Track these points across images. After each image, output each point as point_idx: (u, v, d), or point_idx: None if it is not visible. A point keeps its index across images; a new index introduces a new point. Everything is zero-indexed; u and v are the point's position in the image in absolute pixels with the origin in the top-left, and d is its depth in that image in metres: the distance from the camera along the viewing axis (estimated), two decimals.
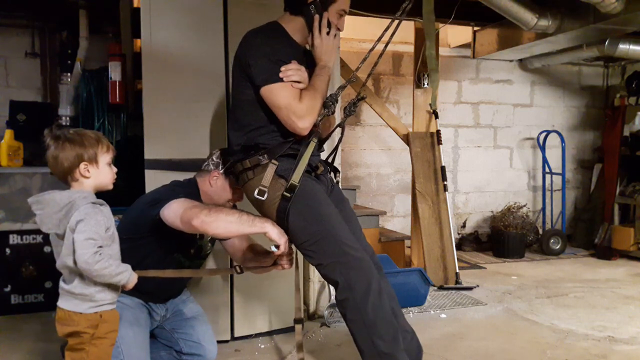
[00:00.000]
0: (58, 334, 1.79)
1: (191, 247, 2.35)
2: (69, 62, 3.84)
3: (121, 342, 2.09)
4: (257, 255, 2.41)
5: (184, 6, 2.77)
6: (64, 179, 1.79)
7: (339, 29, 2.22)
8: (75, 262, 1.68)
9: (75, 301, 1.75)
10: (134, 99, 3.75)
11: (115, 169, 1.86)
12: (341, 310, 2.07)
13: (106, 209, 1.79)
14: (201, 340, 2.38)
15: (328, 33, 2.15)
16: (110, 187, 1.86)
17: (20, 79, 4.11)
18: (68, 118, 3.83)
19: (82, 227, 1.67)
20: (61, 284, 1.80)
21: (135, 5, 3.79)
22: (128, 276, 1.75)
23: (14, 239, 3.48)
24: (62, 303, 1.78)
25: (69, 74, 3.83)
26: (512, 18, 4.08)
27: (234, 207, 2.45)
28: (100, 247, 1.68)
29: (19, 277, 3.48)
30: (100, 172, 1.80)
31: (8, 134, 3.52)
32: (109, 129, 3.77)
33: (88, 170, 1.77)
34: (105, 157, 1.81)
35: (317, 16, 2.14)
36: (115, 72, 3.56)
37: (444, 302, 3.79)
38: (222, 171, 2.31)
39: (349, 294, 2.01)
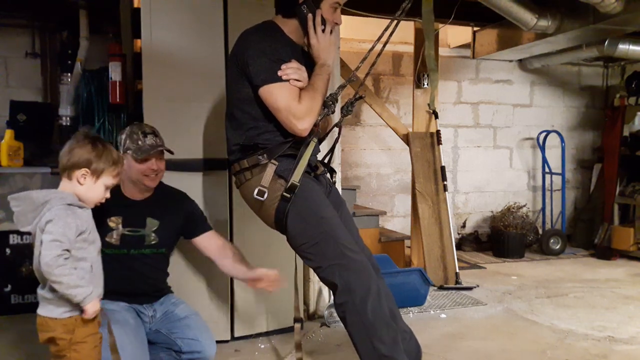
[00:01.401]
0: (39, 341, 1.76)
1: (104, 236, 2.23)
2: (69, 62, 3.83)
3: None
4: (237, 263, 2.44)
5: (184, 6, 2.77)
6: (62, 171, 1.80)
7: (336, 23, 2.19)
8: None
9: (50, 306, 1.72)
10: (134, 99, 3.74)
11: (108, 195, 1.88)
12: (340, 314, 2.05)
13: (84, 212, 1.77)
14: (198, 337, 2.37)
15: (323, 30, 2.13)
16: (92, 206, 1.85)
17: (20, 79, 4.11)
18: (68, 118, 3.83)
19: (50, 227, 1.66)
20: (38, 289, 1.76)
21: (135, 5, 3.77)
22: (86, 294, 1.68)
23: (14, 239, 3.47)
24: (39, 309, 1.75)
25: (69, 74, 3.82)
26: (512, 18, 4.08)
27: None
28: (67, 250, 1.65)
29: (19, 277, 3.48)
30: (94, 188, 1.81)
31: (8, 134, 3.51)
32: (109, 129, 3.76)
33: (85, 179, 1.77)
34: (107, 179, 1.82)
35: (310, 15, 2.11)
36: (115, 72, 3.55)
37: (444, 302, 3.79)
38: (123, 153, 2.27)
39: (348, 297, 1.99)
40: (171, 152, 2.41)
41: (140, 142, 2.28)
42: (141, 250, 2.36)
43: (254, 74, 2.04)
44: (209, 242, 2.49)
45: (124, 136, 2.31)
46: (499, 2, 3.90)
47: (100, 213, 2.16)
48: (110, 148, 1.84)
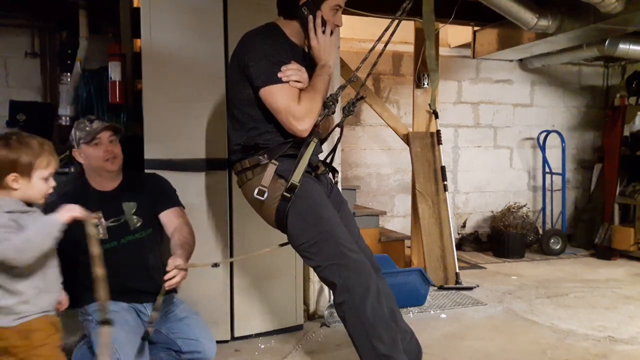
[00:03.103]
0: None
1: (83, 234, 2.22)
2: (69, 62, 3.82)
3: (114, 342, 2.09)
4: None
5: (184, 6, 2.77)
6: None
7: (337, 25, 2.20)
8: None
9: None
10: (134, 99, 3.74)
11: (53, 184, 1.73)
12: (339, 313, 2.06)
13: (29, 217, 1.67)
14: (198, 336, 2.37)
15: (324, 32, 2.14)
16: (41, 201, 1.73)
17: (20, 79, 4.11)
18: (68, 118, 3.82)
19: None
20: None
21: (135, 5, 3.78)
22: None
23: None
24: None
25: (68, 73, 3.81)
26: (512, 18, 4.08)
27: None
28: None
29: None
30: (31, 187, 1.68)
31: None
32: None
33: (17, 182, 1.65)
34: (41, 172, 1.68)
35: (310, 17, 2.13)
36: (115, 72, 3.55)
37: (444, 302, 3.79)
38: (79, 147, 2.31)
39: (347, 297, 2.00)
40: (120, 130, 2.40)
41: (88, 128, 2.31)
42: (129, 237, 2.36)
43: (255, 75, 2.05)
44: (169, 219, 2.43)
45: (72, 131, 2.34)
46: (499, 2, 3.90)
47: None
48: (27, 139, 1.67)
